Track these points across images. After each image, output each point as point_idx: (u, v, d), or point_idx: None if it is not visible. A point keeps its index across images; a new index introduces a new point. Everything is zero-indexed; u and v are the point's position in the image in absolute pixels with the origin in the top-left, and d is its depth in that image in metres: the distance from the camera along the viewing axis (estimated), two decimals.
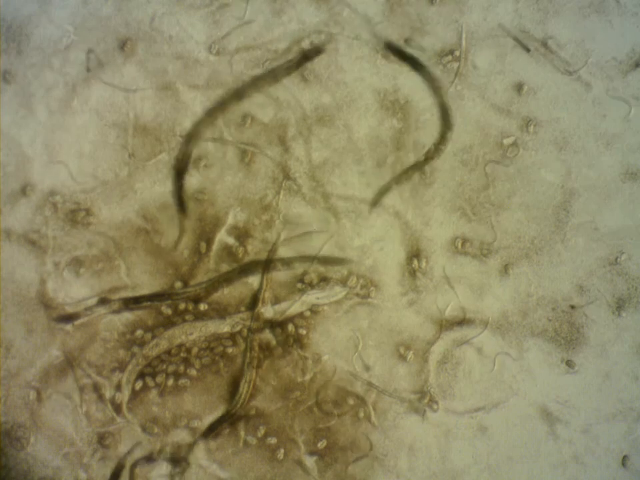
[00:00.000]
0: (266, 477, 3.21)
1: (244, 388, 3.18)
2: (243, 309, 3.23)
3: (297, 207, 3.24)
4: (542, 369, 3.26)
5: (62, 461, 3.22)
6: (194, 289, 3.19)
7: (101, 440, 3.22)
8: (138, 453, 3.22)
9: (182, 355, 3.22)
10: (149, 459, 3.21)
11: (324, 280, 3.22)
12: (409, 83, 3.21)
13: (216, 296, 3.23)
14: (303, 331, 3.23)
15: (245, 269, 3.22)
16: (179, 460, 3.21)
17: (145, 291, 3.23)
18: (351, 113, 3.23)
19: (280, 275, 3.24)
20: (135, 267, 3.23)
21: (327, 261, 3.18)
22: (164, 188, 3.25)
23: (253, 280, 3.23)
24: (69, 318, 3.22)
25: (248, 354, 3.17)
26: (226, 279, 3.20)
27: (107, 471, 3.21)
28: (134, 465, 3.19)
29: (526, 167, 3.25)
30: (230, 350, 3.22)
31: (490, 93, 3.20)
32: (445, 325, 3.24)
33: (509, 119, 3.23)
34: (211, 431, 3.23)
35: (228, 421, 3.20)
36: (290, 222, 3.22)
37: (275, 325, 3.22)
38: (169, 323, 3.22)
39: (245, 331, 3.20)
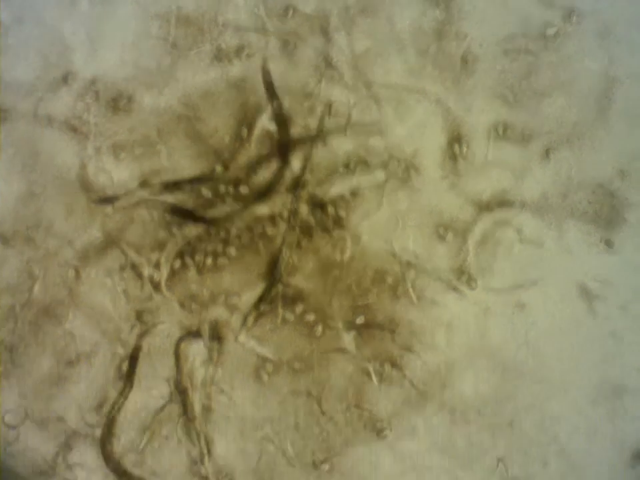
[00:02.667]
0: (304, 353, 3.23)
1: (283, 265, 3.15)
2: (283, 190, 3.27)
3: (339, 95, 3.29)
4: (581, 248, 3.30)
5: (100, 337, 3.27)
6: (233, 171, 3.22)
7: (139, 317, 3.26)
8: (177, 330, 3.21)
9: (221, 235, 3.24)
10: (188, 335, 3.21)
11: (365, 163, 3.25)
12: None
13: (256, 178, 3.26)
14: (342, 213, 3.28)
15: (286, 151, 3.27)
16: (217, 337, 3.23)
17: (185, 174, 3.29)
18: (394, 3, 3.32)
19: (321, 157, 3.29)
20: (176, 152, 3.29)
21: (363, 130, 3.23)
22: (206, 76, 3.32)
23: (294, 162, 3.29)
24: (108, 200, 3.29)
25: (287, 233, 3.20)
26: (266, 161, 3.24)
27: (145, 347, 3.25)
28: (179, 341, 3.20)
29: (569, 56, 3.30)
30: (269, 231, 3.27)
31: None
32: (485, 206, 3.30)
33: (552, 9, 3.33)
34: (252, 308, 3.19)
35: (267, 297, 3.18)
36: (331, 108, 3.24)
37: (315, 206, 3.25)
38: (209, 205, 3.29)
39: (285, 212, 3.21)
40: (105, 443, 3.24)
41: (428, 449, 3.25)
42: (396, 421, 3.26)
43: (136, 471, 3.23)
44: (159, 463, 3.27)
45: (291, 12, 3.31)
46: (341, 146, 3.29)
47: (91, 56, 3.32)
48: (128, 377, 3.23)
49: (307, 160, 3.27)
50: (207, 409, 3.26)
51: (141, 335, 3.26)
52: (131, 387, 3.22)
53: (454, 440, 3.26)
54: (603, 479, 3.19)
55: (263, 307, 3.21)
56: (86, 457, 3.29)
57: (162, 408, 3.27)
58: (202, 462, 3.26)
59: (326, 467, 3.24)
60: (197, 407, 3.25)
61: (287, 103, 3.29)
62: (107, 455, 3.23)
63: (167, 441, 3.27)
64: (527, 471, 3.21)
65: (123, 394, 3.21)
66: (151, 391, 3.28)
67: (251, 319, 3.23)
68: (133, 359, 3.27)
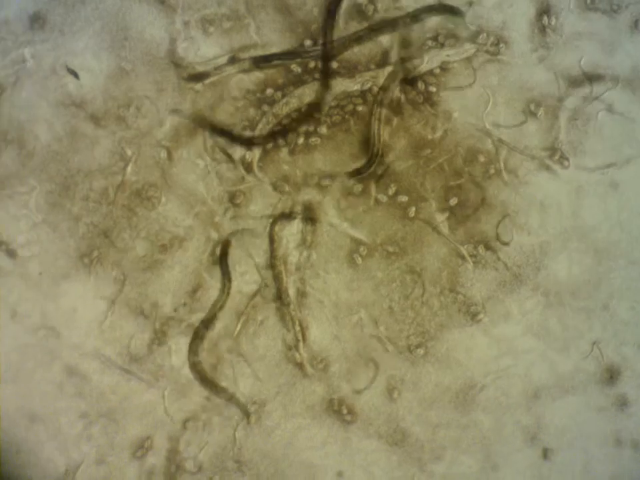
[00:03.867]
0: (397, 234, 3.22)
1: (375, 143, 3.13)
2: (372, 66, 3.20)
3: None
4: None
5: (193, 219, 3.23)
6: (324, 47, 3.16)
7: (232, 199, 3.23)
8: (270, 212, 3.19)
9: (312, 113, 3.19)
10: (281, 217, 3.19)
11: (454, 37, 3.18)
12: None
13: (346, 54, 3.18)
14: (432, 89, 3.22)
15: (376, 28, 3.19)
16: (310, 219, 3.18)
17: (274, 49, 3.21)
18: None
19: (410, 32, 3.21)
20: (265, 25, 3.22)
21: (453, 10, 3.17)
22: None
23: (383, 38, 3.19)
24: (199, 77, 3.22)
25: (378, 111, 3.12)
26: (357, 39, 3.17)
27: (237, 230, 3.18)
28: (272, 223, 3.19)
29: None
30: (360, 108, 3.21)
31: None
32: (575, 81, 3.21)
33: None
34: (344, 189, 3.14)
35: (360, 175, 3.18)
36: None
37: (405, 82, 3.16)
38: (298, 81, 3.21)
39: (375, 88, 3.14)
40: (196, 337, 3.20)
41: (523, 333, 3.26)
42: (490, 305, 3.25)
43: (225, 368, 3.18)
44: (254, 348, 3.26)
45: None
46: (430, 18, 3.19)
47: None
48: (224, 271, 3.17)
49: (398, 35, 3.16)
50: (301, 294, 3.24)
51: (234, 218, 3.16)
52: (229, 281, 3.17)
53: (548, 323, 3.25)
54: None
55: (355, 188, 3.09)
56: (180, 344, 3.23)
57: (256, 293, 3.23)
58: (296, 348, 3.24)
59: (420, 351, 3.25)
60: (292, 292, 3.23)
61: None
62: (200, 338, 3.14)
63: (261, 327, 3.24)
64: (622, 353, 3.20)
65: (224, 290, 3.15)
66: (244, 275, 3.25)
67: (343, 201, 3.13)
68: (226, 243, 3.18)
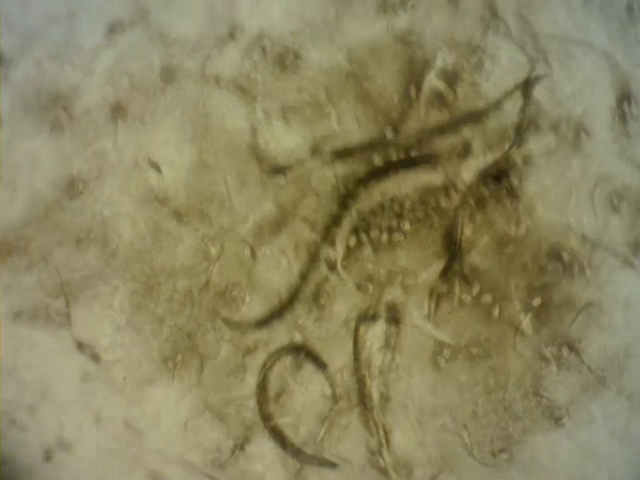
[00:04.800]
0: (481, 336, 3.13)
1: (458, 240, 3.10)
2: (455, 158, 3.11)
3: (504, 48, 3.13)
4: None
5: (278, 322, 3.13)
6: (406, 137, 3.09)
7: (316, 299, 3.09)
8: (354, 313, 3.10)
9: (395, 208, 3.11)
10: (366, 319, 3.10)
11: (535, 125, 3.11)
12: None
13: (428, 145, 3.09)
14: (515, 182, 3.13)
15: (460, 120, 3.13)
16: (394, 320, 3.09)
17: (355, 138, 3.11)
18: None
19: (492, 123, 3.13)
20: (345, 113, 3.11)
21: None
22: (372, 30, 3.13)
23: (465, 130, 3.11)
24: (281, 169, 3.10)
25: (462, 206, 3.10)
26: (439, 130, 3.09)
27: (322, 332, 3.10)
28: (357, 325, 3.10)
29: None
30: (443, 203, 3.12)
31: None
32: None
33: None
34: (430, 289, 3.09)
35: (445, 277, 3.07)
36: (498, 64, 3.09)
37: (487, 175, 3.11)
38: (381, 175, 3.12)
39: (458, 183, 3.09)
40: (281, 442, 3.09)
41: (607, 437, 3.17)
42: (574, 409, 3.17)
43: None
44: (338, 453, 3.15)
45: None
46: (512, 108, 3.13)
47: (256, 8, 3.10)
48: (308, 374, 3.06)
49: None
50: (384, 398, 3.13)
51: (317, 320, 3.08)
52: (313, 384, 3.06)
53: (633, 428, 3.18)
54: None
55: (441, 288, 3.04)
56: (264, 448, 3.13)
57: (340, 397, 3.12)
58: (380, 453, 3.14)
59: (505, 456, 3.15)
60: (375, 396, 3.12)
61: (453, 58, 3.12)
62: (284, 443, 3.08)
63: (345, 431, 3.12)
64: None
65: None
66: (328, 379, 3.14)
67: (428, 302, 3.07)
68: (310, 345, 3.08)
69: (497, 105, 3.11)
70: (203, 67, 3.08)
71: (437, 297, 3.09)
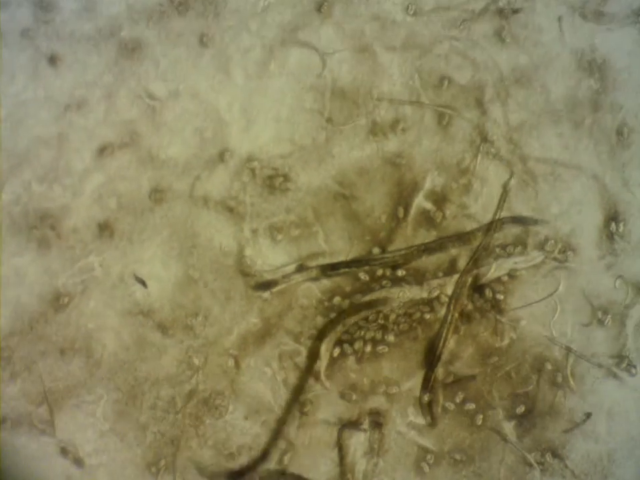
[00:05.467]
0: (464, 442, 3.22)
1: (440, 351, 3.19)
2: (440, 274, 3.22)
3: (493, 170, 3.22)
4: None
5: (261, 428, 3.26)
6: (392, 255, 3.20)
7: (300, 407, 3.23)
8: (337, 420, 3.22)
9: (380, 321, 3.23)
10: (349, 426, 3.21)
11: (522, 244, 3.20)
12: (607, 42, 3.18)
13: (414, 262, 3.17)
14: (500, 296, 3.23)
15: (447, 241, 3.25)
16: (377, 427, 3.20)
17: (342, 257, 3.24)
18: (549, 73, 3.25)
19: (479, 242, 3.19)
20: (333, 233, 3.25)
21: (524, 221, 3.18)
22: (361, 152, 3.27)
23: (453, 250, 3.21)
24: (267, 285, 3.24)
25: (448, 318, 3.19)
26: (426, 250, 3.20)
27: (305, 439, 3.26)
28: (340, 431, 3.21)
29: None
30: (427, 316, 3.24)
31: None
32: None
33: None
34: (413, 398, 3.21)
35: (428, 387, 3.18)
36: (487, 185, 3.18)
37: (473, 290, 3.19)
38: (366, 289, 3.22)
39: (443, 296, 3.18)
40: None
41: None
42: None
43: None
44: None
45: (446, 83, 3.26)
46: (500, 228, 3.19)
47: (246, 131, 3.26)
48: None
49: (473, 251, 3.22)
50: None
51: (301, 427, 3.19)
52: None
53: None
54: None
55: (423, 397, 3.13)
56: None
57: None
58: None
59: None
60: None
61: (442, 179, 3.22)
62: None
63: None
64: None
65: None
66: None
67: (411, 409, 3.20)
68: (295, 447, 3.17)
69: (487, 228, 3.20)
70: (192, 188, 3.25)
71: (420, 406, 3.18)
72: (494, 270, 3.20)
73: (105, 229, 3.22)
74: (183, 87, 3.23)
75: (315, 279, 3.20)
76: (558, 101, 3.22)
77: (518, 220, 3.17)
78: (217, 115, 3.22)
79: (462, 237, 3.19)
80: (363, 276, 3.21)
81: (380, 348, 3.21)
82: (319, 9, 3.22)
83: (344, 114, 3.24)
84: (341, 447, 3.19)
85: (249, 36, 3.23)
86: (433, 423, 3.18)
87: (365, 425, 3.19)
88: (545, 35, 3.21)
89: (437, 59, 3.21)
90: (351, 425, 3.20)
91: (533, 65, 3.22)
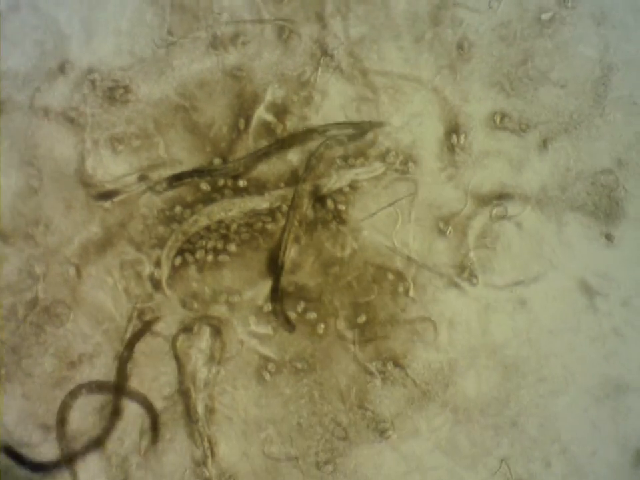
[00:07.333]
0: (306, 351, 3.28)
1: (281, 260, 3.22)
2: (282, 185, 3.29)
3: (335, 84, 3.25)
4: (581, 243, 3.32)
5: (102, 336, 3.28)
6: (233, 165, 3.25)
7: (141, 316, 3.29)
8: (178, 329, 3.25)
9: (221, 231, 3.29)
10: (189, 334, 3.26)
11: (363, 155, 3.26)
12: None
13: (255, 172, 3.29)
14: (342, 207, 3.30)
15: (284, 144, 3.28)
16: (219, 336, 3.24)
17: (183, 167, 3.30)
18: None
19: (320, 150, 3.27)
20: (174, 144, 3.30)
21: (362, 126, 3.25)
22: (202, 65, 3.31)
23: (292, 156, 3.30)
24: (108, 195, 3.29)
25: (287, 228, 3.20)
26: (265, 154, 3.27)
27: (146, 348, 3.29)
28: (180, 340, 3.26)
29: (564, 42, 3.32)
30: (269, 226, 3.29)
31: None
32: (484, 199, 3.29)
33: None
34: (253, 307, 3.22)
35: (269, 295, 3.22)
36: (328, 98, 3.22)
37: (314, 200, 3.23)
38: (207, 200, 3.30)
39: (284, 206, 3.22)
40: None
41: (431, 450, 3.30)
42: (399, 422, 3.30)
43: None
44: (162, 465, 3.29)
45: None
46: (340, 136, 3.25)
47: (86, 44, 3.30)
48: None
49: (306, 154, 3.28)
50: (209, 410, 3.29)
51: (142, 334, 3.20)
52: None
53: (457, 440, 3.31)
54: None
55: (265, 306, 3.18)
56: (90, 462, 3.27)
57: (164, 410, 3.28)
58: (205, 464, 3.28)
59: (329, 467, 3.29)
60: (200, 408, 3.28)
61: (283, 92, 3.27)
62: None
63: (170, 444, 3.26)
64: (530, 470, 3.25)
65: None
66: (152, 392, 3.27)
67: (253, 318, 3.20)
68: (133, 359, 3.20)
69: (323, 132, 3.27)
70: (32, 100, 3.27)
71: (261, 314, 3.25)
72: (335, 181, 3.23)
73: None
74: (23, 0, 3.24)
75: (156, 189, 3.24)
76: (398, 16, 3.27)
77: (352, 125, 3.20)
78: (57, 28, 3.26)
79: (297, 137, 3.25)
80: (204, 186, 3.25)
81: (221, 257, 3.24)
82: None
83: (184, 27, 3.28)
84: (177, 356, 3.21)
85: None
86: (291, 328, 3.20)
87: (206, 333, 3.22)
88: None
89: None
90: (192, 333, 3.24)
91: None
